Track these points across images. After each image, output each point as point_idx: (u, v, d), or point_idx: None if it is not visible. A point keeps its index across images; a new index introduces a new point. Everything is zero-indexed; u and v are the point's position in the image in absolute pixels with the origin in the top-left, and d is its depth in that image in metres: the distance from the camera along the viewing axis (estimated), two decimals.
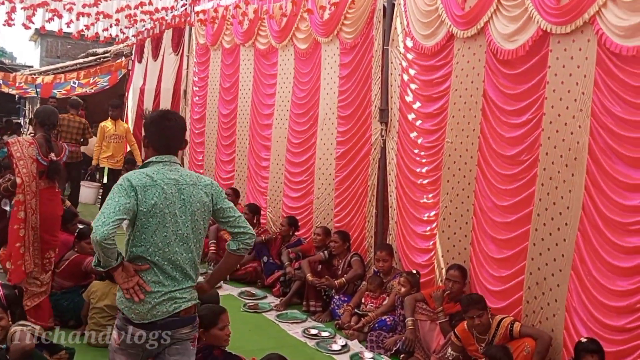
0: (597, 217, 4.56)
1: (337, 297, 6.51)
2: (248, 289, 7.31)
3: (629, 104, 4.36)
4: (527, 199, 5.22)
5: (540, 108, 5.09)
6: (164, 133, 3.33)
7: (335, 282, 6.56)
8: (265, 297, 7.10)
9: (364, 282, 6.51)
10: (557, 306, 4.88)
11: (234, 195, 8.62)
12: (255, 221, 8.02)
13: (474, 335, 4.90)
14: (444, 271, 5.90)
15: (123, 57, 15.34)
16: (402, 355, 5.43)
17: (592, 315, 4.54)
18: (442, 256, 6.10)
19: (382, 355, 5.50)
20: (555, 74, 4.96)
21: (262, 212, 8.55)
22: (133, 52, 14.56)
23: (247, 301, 6.89)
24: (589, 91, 4.65)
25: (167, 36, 12.22)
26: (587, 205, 4.68)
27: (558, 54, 4.93)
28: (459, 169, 5.97)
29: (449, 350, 4.97)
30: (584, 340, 4.14)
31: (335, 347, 5.66)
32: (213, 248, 7.95)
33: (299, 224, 7.83)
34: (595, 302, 4.53)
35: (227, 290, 7.17)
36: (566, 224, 4.86)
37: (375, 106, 7.05)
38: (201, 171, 10.79)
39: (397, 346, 5.48)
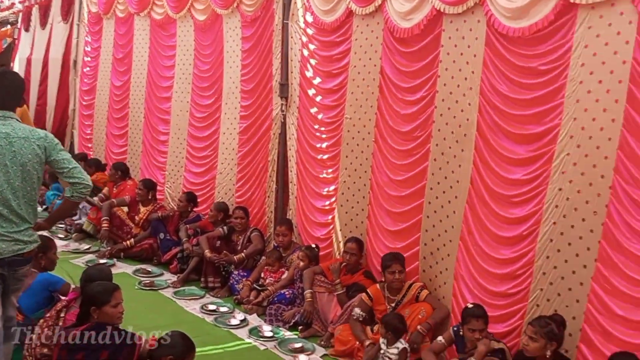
0: (484, 190, 4.83)
1: (236, 272, 6.48)
2: (143, 266, 7.12)
3: (514, 83, 4.61)
4: (420, 174, 5.43)
5: (434, 86, 5.28)
6: (0, 91, 3.70)
7: (235, 257, 6.53)
8: (162, 274, 6.94)
9: (263, 257, 6.52)
10: (447, 275, 5.15)
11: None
12: (150, 197, 7.79)
13: (385, 295, 5.13)
14: (341, 244, 6.03)
15: (9, 25, 14.33)
16: (300, 327, 5.52)
17: (477, 282, 4.83)
18: (340, 230, 6.23)
19: (280, 328, 5.56)
20: (447, 52, 5.15)
21: (159, 188, 8.30)
22: (19, 20, 13.62)
23: (142, 279, 6.71)
24: (478, 70, 4.88)
25: (56, 3, 11.47)
26: (474, 179, 4.93)
27: (450, 34, 5.12)
28: (357, 145, 6.09)
29: (357, 310, 5.11)
30: (470, 305, 4.39)
31: (234, 321, 5.64)
32: (106, 225, 7.64)
33: (200, 199, 7.69)
34: (481, 270, 4.81)
35: (121, 268, 6.96)
36: (456, 197, 5.11)
37: (276, 81, 7.03)
38: (90, 145, 10.36)
39: (296, 318, 5.57)
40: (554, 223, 4.32)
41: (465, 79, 5.00)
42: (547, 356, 3.84)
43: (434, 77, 5.28)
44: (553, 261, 4.34)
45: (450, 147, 5.17)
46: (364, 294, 5.21)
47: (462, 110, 5.05)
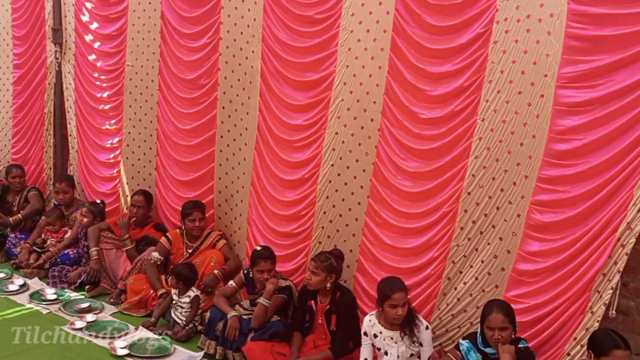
0: (269, 136, 4.97)
1: (12, 235, 5.95)
2: None
3: (293, 31, 4.74)
4: (209, 122, 5.40)
5: (217, 32, 5.22)
6: None
7: (10, 219, 5.96)
8: None
9: (43, 217, 6.03)
10: (241, 220, 5.26)
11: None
12: None
13: (184, 241, 5.11)
14: (129, 198, 5.81)
15: None
16: (87, 287, 5.26)
17: (267, 225, 5.01)
18: (127, 183, 6.00)
19: (65, 290, 5.24)
20: None
21: None
22: None
23: None
24: (259, 18, 4.92)
25: None
26: (261, 125, 5.04)
27: None
28: (141, 94, 5.84)
29: (154, 254, 5.04)
30: (258, 248, 4.54)
31: (12, 287, 5.19)
32: None
33: None
34: (269, 213, 5.00)
35: None
36: (245, 144, 5.18)
37: (49, 26, 6.42)
38: None
39: (82, 278, 5.29)
40: (332, 165, 4.61)
41: (248, 26, 5.02)
42: (327, 287, 4.14)
43: (216, 23, 5.21)
44: (332, 200, 4.65)
45: (237, 95, 5.20)
46: (163, 237, 5.16)
47: (246, 58, 5.08)
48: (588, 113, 3.51)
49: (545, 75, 3.61)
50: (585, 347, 3.37)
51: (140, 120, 5.87)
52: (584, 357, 3.37)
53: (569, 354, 3.58)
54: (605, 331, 3.29)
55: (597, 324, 3.45)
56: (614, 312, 3.50)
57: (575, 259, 3.58)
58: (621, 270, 3.42)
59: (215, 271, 4.90)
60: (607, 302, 3.45)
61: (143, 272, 5.08)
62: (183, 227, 5.15)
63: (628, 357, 3.14)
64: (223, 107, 5.31)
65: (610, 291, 3.44)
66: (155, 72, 5.69)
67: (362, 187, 4.49)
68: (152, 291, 4.92)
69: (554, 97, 3.59)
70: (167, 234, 5.21)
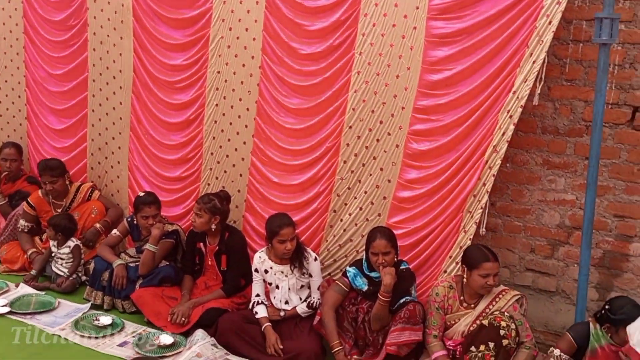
0: (147, 77, 4.77)
1: None
2: None
3: None
4: (80, 66, 5.10)
5: None
6: None
7: None
8: None
9: None
10: (121, 167, 5.07)
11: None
12: None
13: (50, 201, 4.82)
14: None
15: None
16: None
17: (152, 170, 4.88)
18: None
19: None
20: None
21: None
22: None
23: None
24: None
25: None
26: (137, 67, 4.82)
27: None
28: (5, 38, 5.41)
29: (22, 221, 4.79)
30: (141, 194, 4.42)
31: None
32: None
33: None
34: (154, 158, 4.86)
35: None
36: (120, 87, 4.95)
37: None
38: None
39: None
40: (216, 105, 4.52)
41: None
42: (213, 229, 4.14)
43: None
44: (219, 141, 4.58)
45: (108, 36, 4.91)
46: (24, 203, 4.86)
47: None
48: (457, 43, 3.65)
49: (417, 8, 3.70)
50: (459, 264, 3.62)
51: (5, 66, 5.44)
52: (459, 272, 3.62)
53: (445, 271, 3.84)
54: (476, 246, 3.55)
55: (469, 242, 3.71)
56: (484, 229, 3.76)
57: (449, 183, 3.79)
58: (489, 190, 3.66)
59: (97, 225, 4.74)
60: (477, 221, 3.70)
61: (16, 238, 4.83)
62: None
63: (497, 268, 3.42)
64: (94, 49, 5.01)
65: (480, 211, 3.69)
66: (20, 15, 5.26)
67: (246, 126, 4.46)
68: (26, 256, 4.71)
69: (426, 29, 3.70)
70: (28, 199, 4.85)
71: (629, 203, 3.74)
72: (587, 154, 3.45)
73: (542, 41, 3.41)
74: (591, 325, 3.20)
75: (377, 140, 3.97)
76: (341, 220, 4.17)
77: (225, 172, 4.61)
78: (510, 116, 3.55)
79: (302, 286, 3.97)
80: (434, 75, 3.74)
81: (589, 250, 3.49)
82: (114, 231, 4.49)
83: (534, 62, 3.45)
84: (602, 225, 3.81)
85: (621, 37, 3.56)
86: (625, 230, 3.77)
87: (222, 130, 4.56)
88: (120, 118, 5.00)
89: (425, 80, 3.76)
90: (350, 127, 4.03)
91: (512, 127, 3.56)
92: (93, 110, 5.12)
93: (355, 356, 3.72)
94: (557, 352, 3.25)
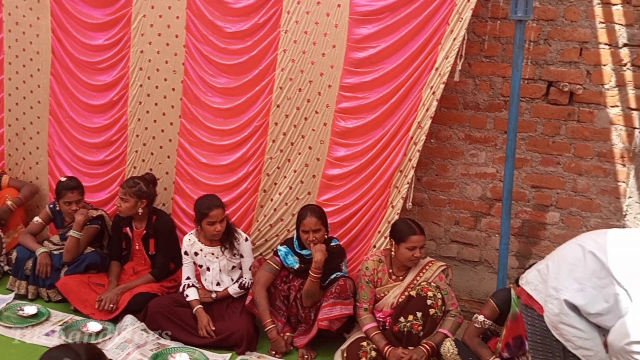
0: (68, 58, 4.58)
1: None
2: None
3: None
4: None
5: None
6: None
7: None
8: None
9: None
10: (40, 153, 4.85)
11: None
12: None
13: None
14: None
15: None
16: None
17: (74, 154, 4.70)
18: None
19: None
20: None
21: None
22: None
23: None
24: None
25: None
26: (56, 48, 4.62)
27: None
28: None
29: None
30: (63, 179, 4.25)
31: None
32: None
33: None
34: (76, 142, 4.68)
35: None
36: (38, 69, 4.73)
37: None
38: None
39: None
40: (141, 85, 4.39)
41: None
42: (140, 213, 4.05)
43: None
44: (144, 123, 4.46)
45: (24, 16, 4.68)
46: None
47: None
48: (380, 21, 3.69)
49: None
50: (388, 238, 3.70)
51: None
52: (387, 247, 3.70)
53: (375, 246, 3.91)
54: (403, 220, 3.64)
55: (397, 216, 3.80)
56: (410, 204, 3.86)
57: (376, 160, 3.85)
58: (415, 166, 3.75)
59: (8, 202, 4.51)
60: (404, 195, 3.79)
61: None
62: None
63: (423, 241, 3.52)
64: (9, 30, 4.76)
65: (407, 186, 3.77)
66: None
67: (173, 106, 4.37)
68: None
69: (350, 7, 3.72)
70: None
71: (545, 174, 3.93)
72: (506, 128, 3.59)
73: (462, 18, 3.50)
74: (512, 291, 3.35)
75: (305, 118, 3.98)
76: (271, 199, 4.17)
77: (152, 154, 4.51)
78: (433, 92, 3.64)
79: (233, 267, 3.95)
80: (359, 52, 3.77)
81: (508, 220, 3.64)
82: (36, 218, 4.31)
83: (454, 39, 3.54)
84: (521, 196, 3.98)
85: (536, 14, 3.71)
86: (542, 200, 3.96)
87: (148, 112, 4.45)
88: (39, 102, 4.78)
89: (350, 57, 3.79)
90: (278, 106, 4.02)
91: (435, 103, 3.64)
92: (10, 94, 4.86)
93: (288, 333, 3.76)
94: (480, 317, 3.39)
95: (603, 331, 2.31)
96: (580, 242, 2.37)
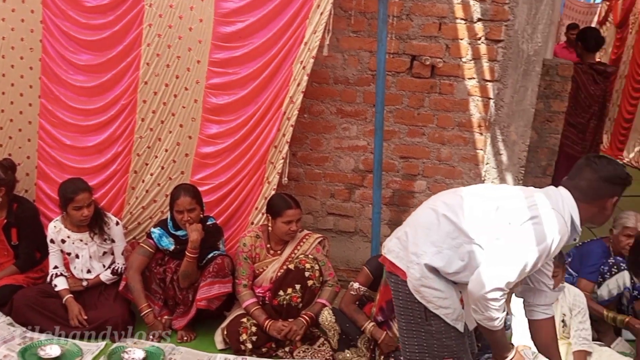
0: None
1: None
2: None
3: None
4: None
5: None
6: None
7: None
8: None
9: None
10: None
11: None
12: None
13: None
14: None
15: None
16: None
17: None
18: None
19: None
20: None
21: None
22: None
23: None
24: None
25: None
26: None
27: None
28: None
29: None
30: None
31: None
32: None
33: None
34: None
35: None
36: None
37: None
38: None
39: None
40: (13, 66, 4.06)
41: None
42: None
43: None
44: (0, 105, 4.13)
45: None
46: None
47: None
48: None
49: None
50: (265, 214, 3.71)
51: None
52: (265, 222, 3.70)
53: (252, 223, 3.91)
54: (278, 195, 3.67)
55: (273, 192, 3.81)
56: (286, 179, 3.89)
57: (250, 136, 3.83)
58: (289, 141, 3.77)
59: None
60: (280, 171, 3.80)
61: None
62: None
63: (299, 214, 3.57)
64: None
65: (282, 161, 3.79)
66: None
67: (31, 86, 4.07)
68: None
69: None
70: None
71: (412, 145, 4.11)
72: (375, 101, 3.70)
73: None
74: None
75: (175, 95, 3.87)
76: (143, 181, 4.03)
77: (10, 138, 4.19)
78: (304, 67, 3.66)
79: (104, 253, 3.80)
80: (227, 27, 3.71)
81: (379, 190, 3.77)
82: None
83: (321, 14, 3.57)
84: (391, 166, 4.14)
85: None
86: (410, 169, 4.14)
87: (3, 93, 4.12)
88: None
89: (218, 32, 3.72)
90: (146, 83, 3.87)
91: (305, 78, 3.67)
92: None
93: (165, 316, 3.68)
94: (355, 285, 3.50)
95: (460, 287, 2.46)
96: (432, 205, 2.50)
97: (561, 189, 2.43)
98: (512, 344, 2.54)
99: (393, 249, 2.55)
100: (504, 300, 2.28)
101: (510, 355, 2.45)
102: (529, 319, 2.64)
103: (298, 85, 3.70)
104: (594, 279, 3.78)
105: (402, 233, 2.53)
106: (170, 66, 3.83)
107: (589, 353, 3.42)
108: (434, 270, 2.40)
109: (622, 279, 3.72)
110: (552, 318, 2.63)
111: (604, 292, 3.75)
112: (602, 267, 3.76)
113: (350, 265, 4.28)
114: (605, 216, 2.46)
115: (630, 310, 3.72)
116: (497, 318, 2.29)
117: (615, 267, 3.73)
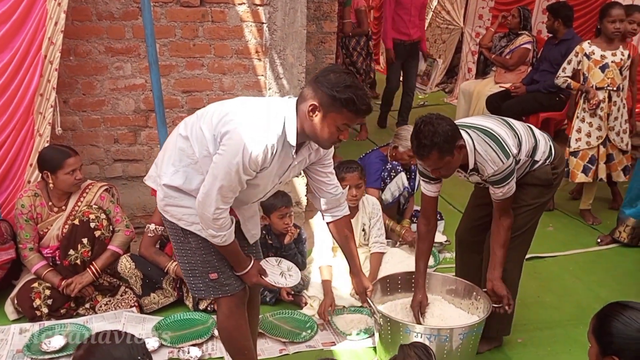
0: None
1: None
2: None
3: None
4: None
5: None
6: None
7: None
8: None
9: None
10: None
11: None
12: None
13: None
14: None
15: None
16: None
17: None
18: None
19: None
20: None
21: None
22: None
23: None
24: None
25: None
26: None
27: None
28: None
29: None
30: None
31: None
32: None
33: None
34: None
35: None
36: None
37: None
38: None
39: None
40: None
41: None
42: None
43: None
44: None
45: None
46: None
47: None
48: None
49: None
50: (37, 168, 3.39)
51: None
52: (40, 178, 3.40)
53: (29, 181, 3.56)
54: (51, 147, 3.39)
55: (47, 144, 3.49)
56: (60, 129, 3.59)
57: (10, 86, 3.42)
58: (55, 87, 3.46)
59: None
60: (51, 121, 3.49)
61: None
62: None
63: (79, 161, 3.33)
64: None
65: (51, 110, 3.48)
66: None
67: None
68: None
69: None
70: None
71: (192, 77, 4.01)
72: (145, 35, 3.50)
73: None
74: None
75: None
76: None
77: None
78: (59, 4, 3.35)
79: None
80: None
81: (165, 128, 3.63)
82: None
83: None
84: (174, 103, 4.02)
85: None
86: (194, 103, 4.05)
87: None
88: None
89: None
90: None
91: (63, 15, 3.37)
92: None
93: None
94: (152, 226, 3.42)
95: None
96: (178, 127, 2.43)
97: (293, 99, 2.33)
98: (250, 256, 2.52)
99: (151, 174, 2.51)
100: (223, 220, 2.26)
101: (249, 266, 2.48)
102: (327, 223, 2.71)
103: (56, 24, 3.38)
104: (378, 186, 4.11)
105: (159, 158, 2.49)
106: None
107: (383, 253, 3.76)
108: (177, 189, 2.37)
109: (400, 180, 4.11)
110: (345, 217, 2.71)
111: (387, 195, 4.11)
112: (382, 173, 4.10)
113: (147, 210, 4.13)
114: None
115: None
116: (219, 235, 2.29)
117: (393, 171, 4.09)
